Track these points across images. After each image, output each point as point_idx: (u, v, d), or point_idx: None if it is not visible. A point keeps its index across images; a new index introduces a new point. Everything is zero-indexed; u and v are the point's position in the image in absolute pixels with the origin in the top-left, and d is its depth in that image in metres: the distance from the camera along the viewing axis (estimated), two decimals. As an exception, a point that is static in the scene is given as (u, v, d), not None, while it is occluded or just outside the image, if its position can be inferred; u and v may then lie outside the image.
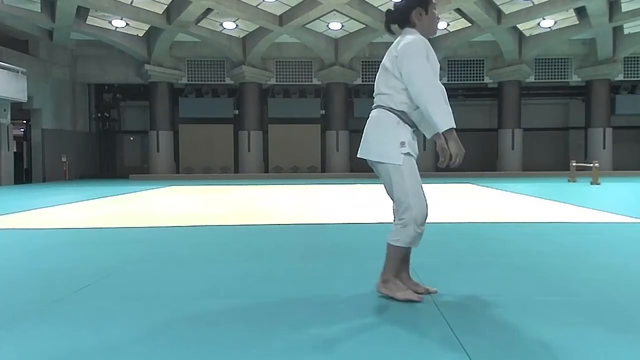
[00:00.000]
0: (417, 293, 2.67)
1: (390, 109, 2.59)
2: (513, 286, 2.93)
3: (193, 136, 20.70)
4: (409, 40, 2.53)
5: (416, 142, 2.66)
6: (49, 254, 4.14)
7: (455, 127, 2.46)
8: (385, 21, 2.72)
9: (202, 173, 20.43)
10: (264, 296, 2.78)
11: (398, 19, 2.67)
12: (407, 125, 2.58)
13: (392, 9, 2.70)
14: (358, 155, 2.73)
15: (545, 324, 2.24)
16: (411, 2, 2.63)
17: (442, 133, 2.48)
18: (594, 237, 4.69)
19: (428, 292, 2.73)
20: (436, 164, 21.16)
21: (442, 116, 2.43)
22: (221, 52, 19.45)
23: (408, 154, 2.55)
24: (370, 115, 2.71)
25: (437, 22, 2.69)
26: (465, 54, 20.24)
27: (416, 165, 2.60)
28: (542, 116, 22.26)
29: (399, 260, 2.63)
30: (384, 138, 2.58)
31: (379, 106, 2.66)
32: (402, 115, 2.57)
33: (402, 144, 2.54)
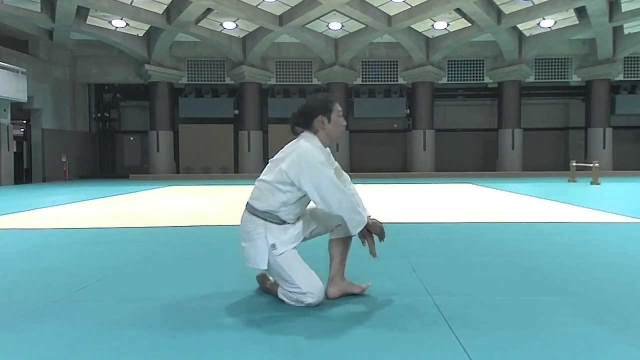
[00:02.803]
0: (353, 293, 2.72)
1: (255, 213, 2.60)
2: (513, 286, 2.93)
3: (193, 136, 20.69)
4: (306, 150, 2.51)
5: (300, 223, 2.65)
6: (49, 253, 4.14)
7: (365, 222, 2.53)
8: (290, 124, 2.69)
9: (202, 173, 20.43)
10: (264, 296, 2.78)
11: (301, 124, 2.65)
12: (274, 224, 2.57)
13: (296, 112, 2.67)
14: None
15: (545, 324, 2.24)
16: (313, 110, 2.61)
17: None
18: (594, 237, 4.69)
19: (362, 290, 2.74)
20: (435, 164, 21.28)
21: (354, 222, 2.51)
22: (221, 52, 19.44)
23: (283, 253, 2.54)
24: (242, 215, 2.72)
25: (342, 129, 2.67)
26: (465, 54, 20.22)
27: (296, 253, 2.60)
28: (542, 116, 22.25)
29: None
30: (256, 247, 2.57)
31: (249, 207, 2.65)
32: (268, 217, 2.57)
33: (273, 246, 2.54)
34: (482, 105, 22.14)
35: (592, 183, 13.08)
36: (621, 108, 20.47)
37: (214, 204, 8.62)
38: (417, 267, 3.39)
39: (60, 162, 18.72)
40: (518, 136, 20.32)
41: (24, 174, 17.96)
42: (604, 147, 20.11)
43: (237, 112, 20.51)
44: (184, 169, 20.67)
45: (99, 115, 21.21)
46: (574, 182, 14.33)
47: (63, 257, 3.99)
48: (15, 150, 16.37)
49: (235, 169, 20.81)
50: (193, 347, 2.02)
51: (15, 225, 5.90)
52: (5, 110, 15.33)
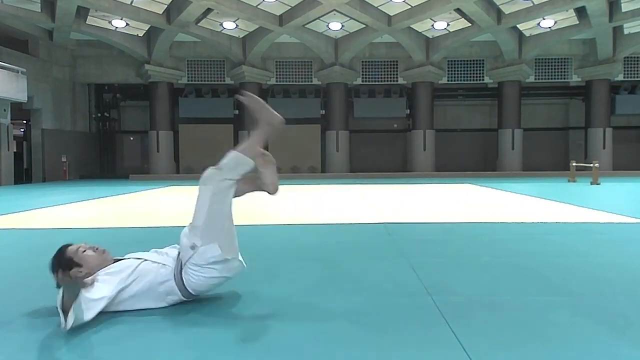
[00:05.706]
0: None
1: None
2: (513, 286, 2.93)
3: (193, 136, 20.69)
4: None
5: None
6: (49, 253, 4.12)
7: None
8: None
9: (202, 173, 20.40)
10: (264, 296, 2.78)
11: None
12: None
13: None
14: None
15: (545, 324, 2.24)
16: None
17: None
18: (594, 237, 4.69)
19: None
20: (435, 164, 21.28)
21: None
22: (221, 52, 19.45)
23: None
24: None
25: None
26: (465, 54, 20.22)
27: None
28: (542, 116, 22.25)
29: None
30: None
31: None
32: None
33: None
34: (482, 105, 22.15)
35: (592, 183, 13.08)
36: (621, 108, 20.48)
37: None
38: (417, 267, 3.38)
39: (60, 162, 18.72)
40: (518, 136, 20.33)
41: (24, 174, 17.95)
42: (604, 147, 20.11)
43: (237, 112, 20.52)
44: (184, 169, 20.67)
45: (99, 115, 21.22)
46: (574, 182, 14.33)
47: (63, 257, 3.98)
48: (15, 150, 16.37)
49: (235, 169, 20.77)
50: (192, 347, 2.01)
51: (16, 225, 5.89)
52: (5, 110, 15.33)
